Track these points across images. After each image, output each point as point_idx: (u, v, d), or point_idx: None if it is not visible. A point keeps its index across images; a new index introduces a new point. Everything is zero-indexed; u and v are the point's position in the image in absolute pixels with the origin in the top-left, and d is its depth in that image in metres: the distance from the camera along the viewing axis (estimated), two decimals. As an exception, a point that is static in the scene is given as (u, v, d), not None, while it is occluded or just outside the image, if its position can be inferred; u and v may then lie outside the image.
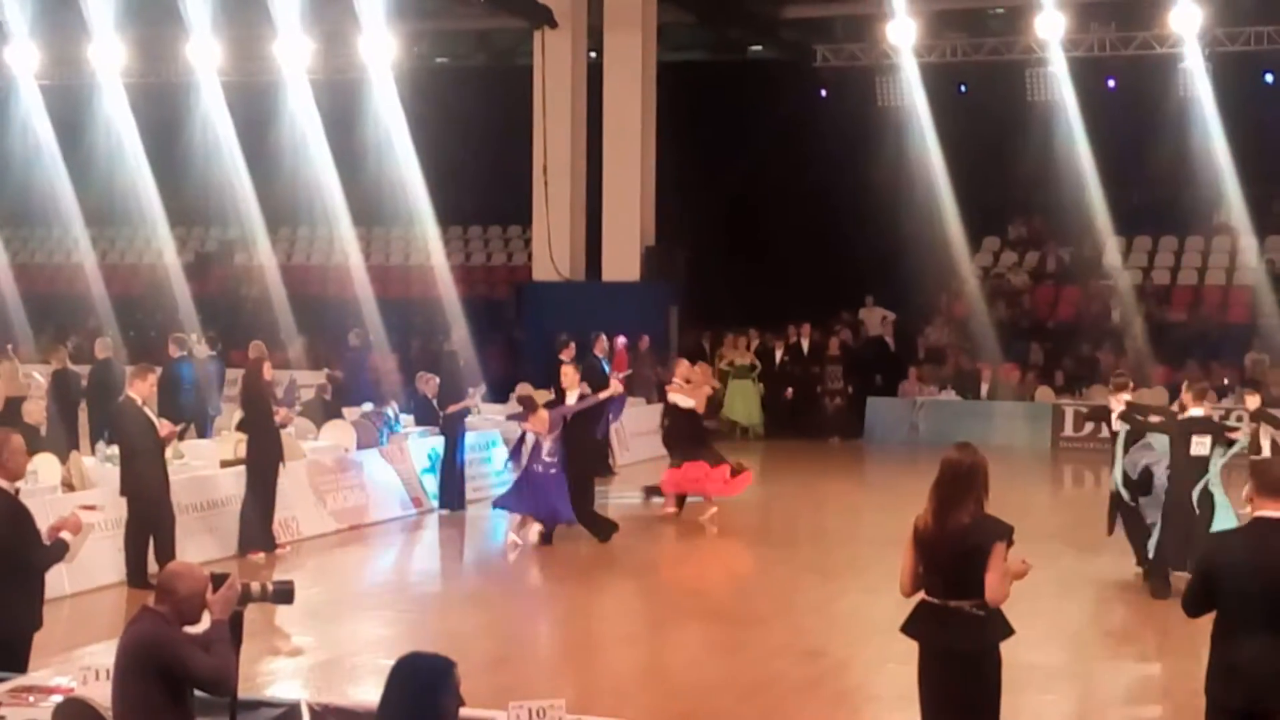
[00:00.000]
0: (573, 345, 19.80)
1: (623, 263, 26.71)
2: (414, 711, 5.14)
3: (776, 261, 28.58)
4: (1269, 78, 28.03)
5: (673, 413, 18.26)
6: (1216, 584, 6.46)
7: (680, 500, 17.73)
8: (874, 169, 27.21)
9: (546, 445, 15.54)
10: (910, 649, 7.18)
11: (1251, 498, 6.49)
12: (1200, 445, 13.08)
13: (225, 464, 15.95)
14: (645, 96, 26.77)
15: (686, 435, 17.81)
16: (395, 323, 26.91)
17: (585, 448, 16.17)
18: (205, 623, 6.30)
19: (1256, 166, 26.66)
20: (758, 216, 29.22)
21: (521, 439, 16.05)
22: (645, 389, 25.40)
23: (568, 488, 15.62)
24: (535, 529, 15.84)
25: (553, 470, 15.52)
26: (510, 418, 17.25)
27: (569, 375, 16.31)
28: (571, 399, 16.00)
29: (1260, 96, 27.64)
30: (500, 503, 16.13)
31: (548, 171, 26.75)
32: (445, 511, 17.99)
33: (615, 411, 16.95)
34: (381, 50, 26.06)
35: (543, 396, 16.65)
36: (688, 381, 17.98)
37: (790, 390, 26.75)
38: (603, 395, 16.14)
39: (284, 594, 6.49)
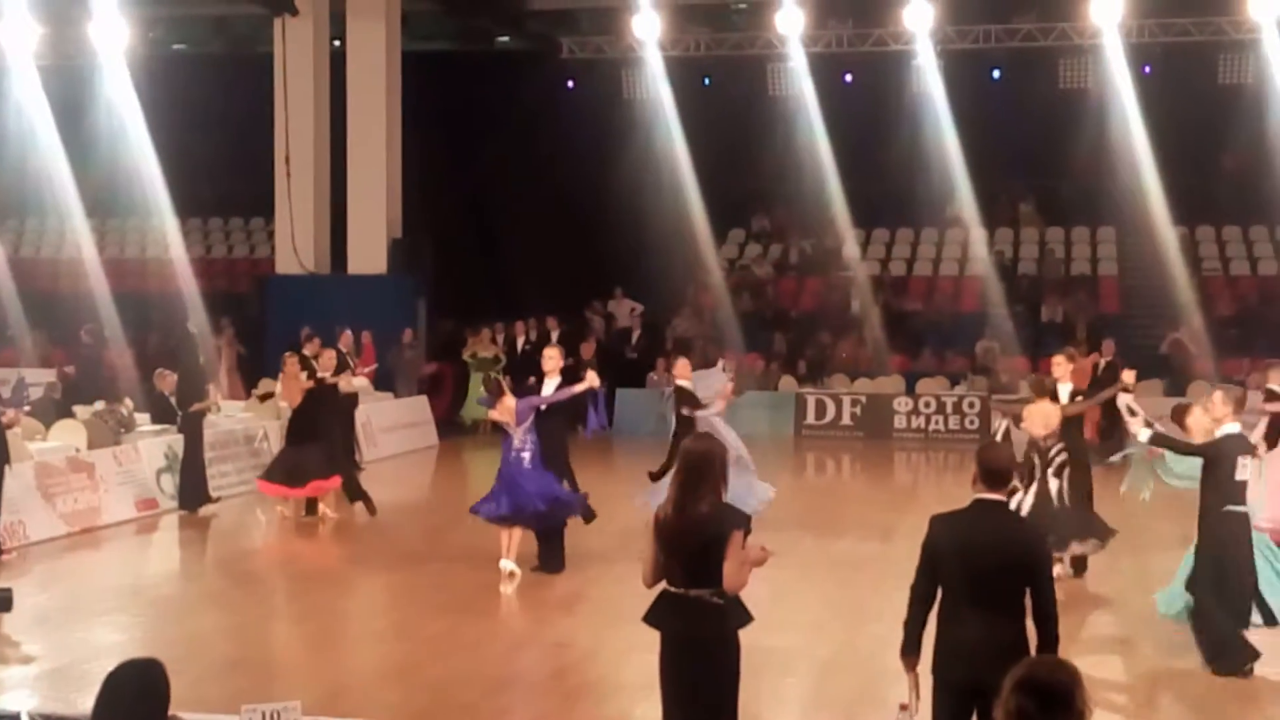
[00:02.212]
0: (317, 340, 19.45)
1: (369, 255, 26.37)
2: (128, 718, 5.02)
3: (526, 253, 28.52)
4: (996, 74, 29.08)
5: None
6: (940, 564, 6.67)
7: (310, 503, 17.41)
8: (621, 160, 27.40)
9: (516, 437, 13.85)
10: (656, 638, 7.23)
11: (974, 481, 6.71)
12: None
13: (-54, 467, 15.22)
14: (390, 86, 26.46)
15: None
16: (131, 318, 26.09)
17: (557, 445, 14.45)
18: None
19: (986, 161, 27.67)
20: (506, 208, 29.15)
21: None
22: (407, 382, 25.12)
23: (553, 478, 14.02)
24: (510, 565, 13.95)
25: (525, 463, 13.76)
26: (480, 402, 15.39)
27: (552, 359, 14.63)
28: (549, 388, 14.37)
29: (989, 93, 28.67)
30: (477, 508, 14.08)
31: (290, 162, 26.26)
32: (184, 511, 17.51)
33: (595, 405, 15.18)
34: (113, 35, 25.16)
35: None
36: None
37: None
38: (579, 388, 14.34)
39: (1, 602, 6.22)
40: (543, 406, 14.10)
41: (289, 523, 17.16)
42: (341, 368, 18.52)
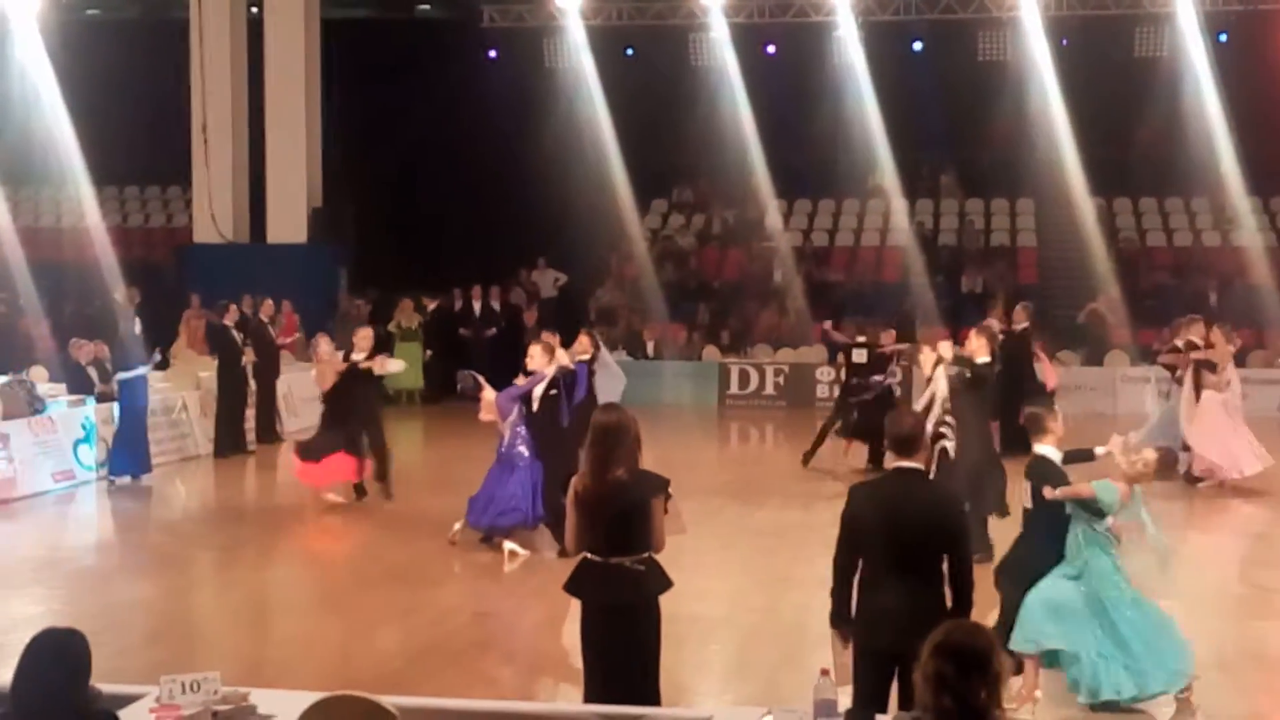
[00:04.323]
0: (233, 308, 19.23)
1: (288, 224, 26.10)
2: (48, 688, 5.03)
3: (448, 223, 28.40)
4: (918, 46, 29.22)
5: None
6: (860, 533, 6.73)
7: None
8: (543, 130, 27.30)
9: (507, 435, 13.37)
10: (578, 606, 7.27)
11: (886, 451, 6.78)
12: None
13: None
14: (309, 53, 26.15)
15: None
16: (47, 287, 25.71)
17: (551, 437, 13.41)
18: None
19: (907, 132, 27.83)
20: (428, 177, 28.96)
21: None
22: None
23: (541, 483, 13.27)
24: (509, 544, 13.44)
25: (521, 462, 13.30)
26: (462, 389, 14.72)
27: (536, 357, 13.47)
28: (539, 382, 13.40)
29: (910, 64, 28.79)
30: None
31: (207, 130, 25.92)
32: (124, 479, 17.29)
33: (567, 388, 13.71)
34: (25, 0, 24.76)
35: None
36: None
37: (429, 352, 26.01)
38: (549, 372, 13.33)
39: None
40: (517, 397, 13.34)
41: (328, 504, 16.11)
42: (261, 336, 18.15)
